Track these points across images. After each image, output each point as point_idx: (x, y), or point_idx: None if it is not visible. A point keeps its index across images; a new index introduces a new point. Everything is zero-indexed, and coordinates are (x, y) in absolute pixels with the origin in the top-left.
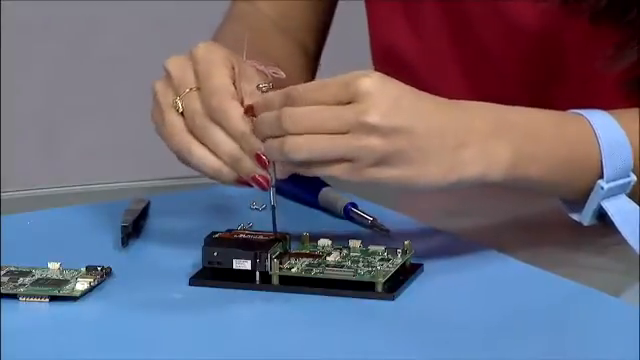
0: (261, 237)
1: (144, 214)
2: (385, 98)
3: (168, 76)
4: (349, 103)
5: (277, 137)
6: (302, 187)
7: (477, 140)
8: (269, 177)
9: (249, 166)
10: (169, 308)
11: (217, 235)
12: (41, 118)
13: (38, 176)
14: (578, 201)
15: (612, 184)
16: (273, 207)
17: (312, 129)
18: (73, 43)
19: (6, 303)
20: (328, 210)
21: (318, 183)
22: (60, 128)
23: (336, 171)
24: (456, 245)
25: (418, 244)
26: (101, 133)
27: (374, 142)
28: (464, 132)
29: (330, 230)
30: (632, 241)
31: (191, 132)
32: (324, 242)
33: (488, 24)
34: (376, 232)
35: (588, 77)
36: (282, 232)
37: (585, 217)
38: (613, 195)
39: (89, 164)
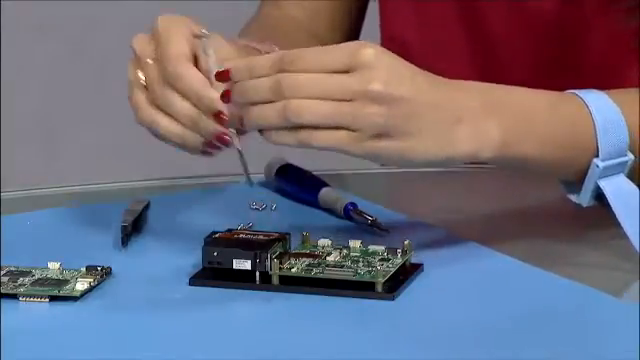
0: (261, 237)
1: (144, 214)
2: (388, 68)
3: (134, 53)
4: (348, 72)
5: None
6: (302, 187)
7: (470, 118)
8: (230, 134)
9: (209, 125)
10: (169, 308)
11: (217, 235)
12: (41, 118)
13: (38, 176)
14: (577, 182)
15: (608, 162)
16: (240, 151)
17: (315, 96)
18: (73, 43)
19: (6, 303)
20: (328, 210)
21: (318, 183)
22: (60, 128)
23: (335, 139)
24: (456, 245)
25: (418, 244)
26: (101, 133)
27: (378, 110)
28: (459, 109)
29: (330, 230)
30: (625, 222)
31: (154, 103)
32: (324, 242)
33: (499, 16)
34: (376, 232)
35: (602, 66)
36: (282, 232)
37: (583, 198)
38: (611, 175)
39: (89, 164)
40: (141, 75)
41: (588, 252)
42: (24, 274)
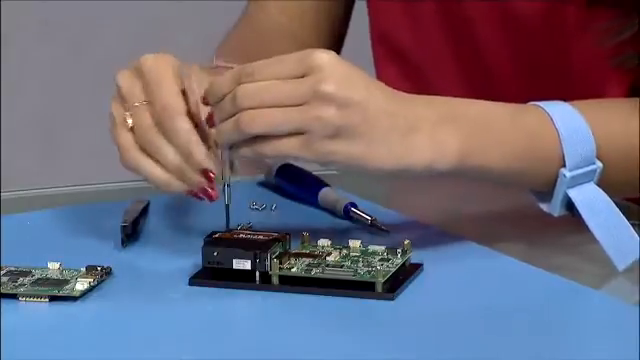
0: (261, 237)
1: (144, 214)
2: (340, 72)
3: (119, 91)
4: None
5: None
6: (302, 187)
7: (427, 128)
8: (217, 190)
9: (195, 178)
10: (169, 308)
11: (217, 235)
12: (41, 118)
13: (38, 176)
14: (548, 192)
15: (576, 172)
16: (227, 206)
17: (267, 103)
18: (73, 43)
19: (6, 303)
20: (328, 210)
21: (318, 183)
22: (60, 128)
23: (288, 146)
24: (456, 245)
25: (418, 244)
26: (101, 133)
27: (328, 112)
28: (414, 119)
29: (330, 230)
30: (597, 230)
31: (141, 147)
32: (324, 242)
33: (485, 18)
34: (376, 232)
35: (586, 71)
36: (282, 232)
37: (554, 207)
38: (580, 184)
39: (89, 164)
40: (128, 118)
41: (589, 251)
42: (24, 274)
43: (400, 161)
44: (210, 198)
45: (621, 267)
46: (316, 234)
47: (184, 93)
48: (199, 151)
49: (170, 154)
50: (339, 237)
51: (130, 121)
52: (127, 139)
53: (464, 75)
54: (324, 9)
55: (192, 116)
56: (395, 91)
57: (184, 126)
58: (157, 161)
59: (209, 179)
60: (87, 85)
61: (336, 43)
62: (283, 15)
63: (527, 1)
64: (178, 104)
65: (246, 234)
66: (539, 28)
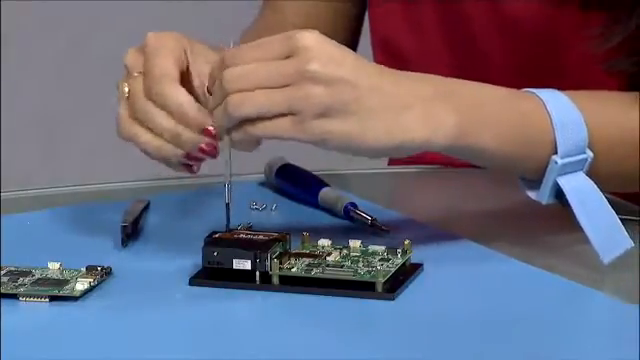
0: (261, 237)
1: (144, 214)
2: (326, 50)
3: (125, 68)
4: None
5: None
6: (302, 187)
7: (421, 104)
8: (216, 144)
9: (191, 137)
10: (169, 308)
11: (217, 235)
12: (41, 118)
13: (38, 176)
14: (537, 180)
15: (567, 160)
16: (227, 205)
17: (253, 85)
18: (73, 43)
19: (6, 303)
20: (328, 210)
21: (318, 183)
22: (60, 128)
23: (279, 127)
24: (456, 245)
25: (418, 244)
26: (101, 133)
27: (316, 91)
28: (407, 95)
29: (330, 230)
30: (584, 220)
31: (134, 117)
32: (324, 242)
33: (483, 22)
34: (376, 232)
35: (582, 75)
36: (282, 232)
37: (542, 195)
38: (570, 172)
39: (89, 164)
40: (125, 88)
41: (589, 251)
42: (24, 274)
43: (395, 137)
44: (211, 154)
45: (606, 260)
46: (316, 234)
47: (188, 70)
48: (192, 108)
49: (160, 117)
50: (339, 237)
51: (127, 90)
52: (122, 111)
53: (463, 78)
54: (338, 11)
55: (196, 97)
56: (385, 68)
57: (173, 90)
58: (151, 130)
59: (209, 134)
60: (87, 85)
61: (350, 44)
62: (297, 17)
63: (525, 5)
64: (168, 71)
65: (246, 234)
66: (537, 31)
